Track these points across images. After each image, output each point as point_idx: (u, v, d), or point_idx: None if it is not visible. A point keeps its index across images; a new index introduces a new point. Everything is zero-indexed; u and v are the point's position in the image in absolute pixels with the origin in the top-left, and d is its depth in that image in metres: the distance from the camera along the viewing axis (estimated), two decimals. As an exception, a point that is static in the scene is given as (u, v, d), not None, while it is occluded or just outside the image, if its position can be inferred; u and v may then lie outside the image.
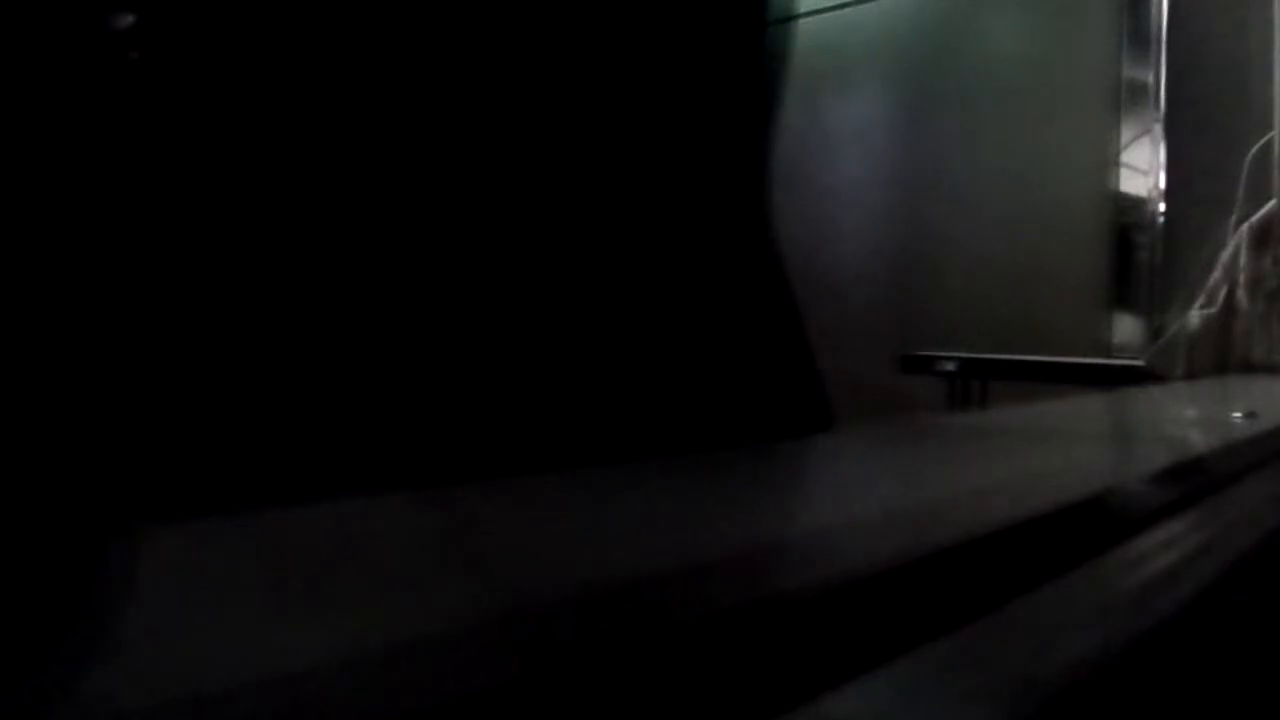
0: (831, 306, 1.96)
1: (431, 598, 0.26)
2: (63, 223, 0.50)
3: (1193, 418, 1.00)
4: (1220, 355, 1.65)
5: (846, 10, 2.22)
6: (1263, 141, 1.70)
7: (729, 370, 0.80)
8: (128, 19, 0.51)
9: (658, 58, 0.76)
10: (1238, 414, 0.84)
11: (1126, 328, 1.83)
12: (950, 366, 1.84)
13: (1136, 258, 1.81)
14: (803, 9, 2.19)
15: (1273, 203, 1.66)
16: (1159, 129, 1.79)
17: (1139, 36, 1.83)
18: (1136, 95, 1.83)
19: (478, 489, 0.39)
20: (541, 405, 0.66)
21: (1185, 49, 1.78)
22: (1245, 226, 1.67)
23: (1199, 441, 0.75)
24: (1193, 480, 0.54)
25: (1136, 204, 1.82)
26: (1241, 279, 1.66)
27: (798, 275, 0.88)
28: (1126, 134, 1.84)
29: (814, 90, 2.21)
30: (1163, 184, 1.79)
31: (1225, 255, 1.67)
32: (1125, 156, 1.84)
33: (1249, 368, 1.64)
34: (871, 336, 2.01)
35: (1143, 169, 1.82)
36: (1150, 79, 1.81)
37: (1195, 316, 1.66)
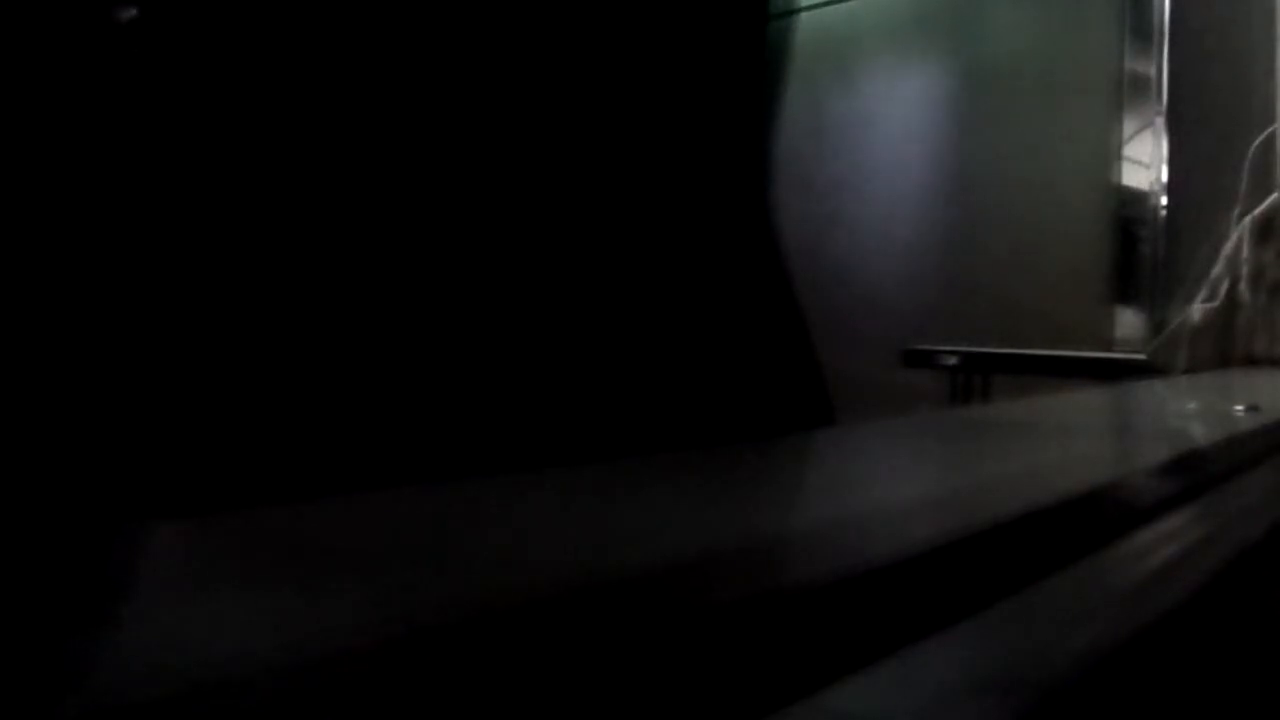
0: (830, 298, 1.96)
1: (432, 592, 0.26)
2: (63, 220, 0.50)
3: (1195, 411, 1.00)
4: (1222, 349, 1.65)
5: (848, 2, 2.21)
6: (1265, 134, 1.69)
7: (730, 364, 0.80)
8: (130, 12, 0.51)
9: (657, 54, 0.76)
10: (1240, 407, 0.84)
11: (1128, 321, 1.82)
12: (952, 360, 1.84)
13: (1138, 251, 1.81)
14: (804, 2, 2.19)
15: (1275, 196, 1.66)
16: (1161, 122, 1.79)
17: (1141, 29, 1.82)
18: (1139, 88, 1.82)
19: (482, 484, 0.39)
20: (541, 402, 0.66)
21: (1188, 42, 1.78)
22: (1248, 220, 1.67)
23: (1201, 435, 0.75)
24: (1195, 474, 0.54)
25: (1138, 197, 1.82)
26: (1244, 272, 1.65)
27: (799, 267, 0.88)
28: (1129, 127, 1.84)
29: (812, 82, 2.20)
30: (1165, 177, 1.79)
31: (1227, 249, 1.67)
32: (1127, 150, 1.84)
33: (1251, 361, 1.64)
34: (869, 329, 2.01)
35: (1145, 162, 1.81)
36: (1153, 72, 1.81)
37: (1197, 310, 1.66)
